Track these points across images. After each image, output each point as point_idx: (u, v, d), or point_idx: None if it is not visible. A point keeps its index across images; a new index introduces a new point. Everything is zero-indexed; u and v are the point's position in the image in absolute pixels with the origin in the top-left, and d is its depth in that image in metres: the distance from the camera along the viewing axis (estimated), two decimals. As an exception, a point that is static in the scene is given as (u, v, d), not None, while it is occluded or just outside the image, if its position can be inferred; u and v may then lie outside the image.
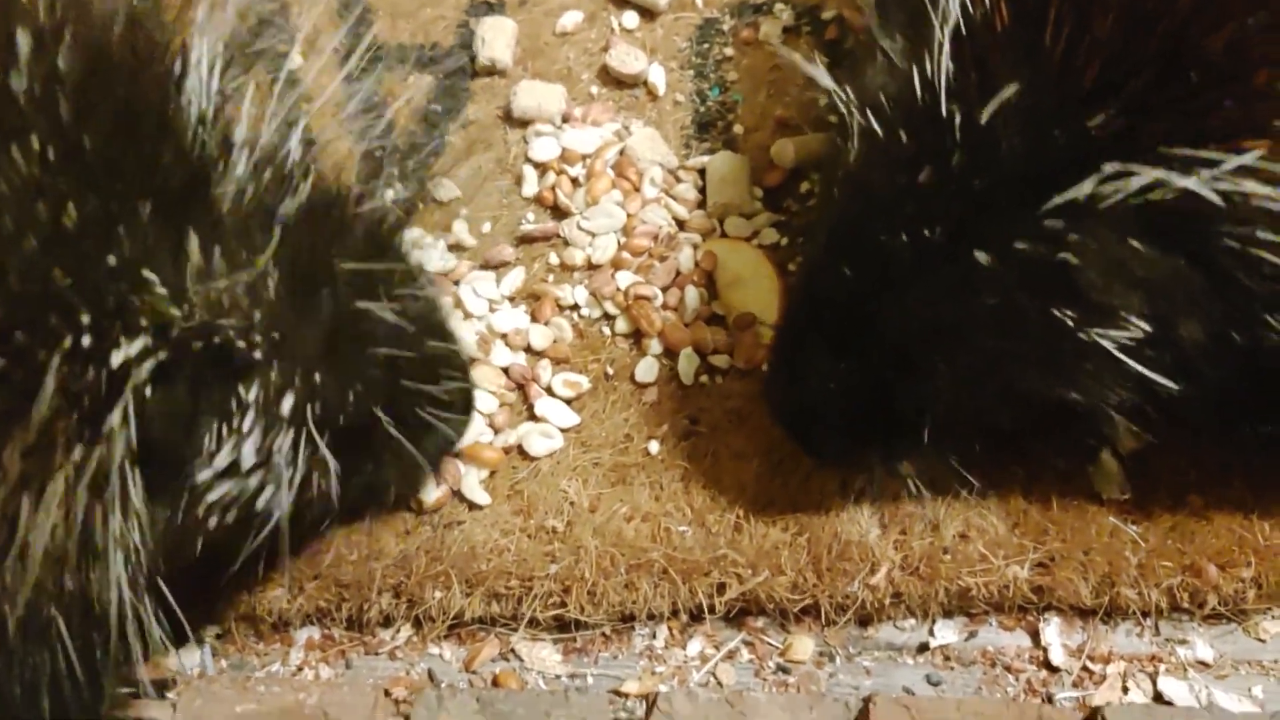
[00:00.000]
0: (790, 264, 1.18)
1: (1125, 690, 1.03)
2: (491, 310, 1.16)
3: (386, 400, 0.88)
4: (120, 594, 0.79)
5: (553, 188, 1.22)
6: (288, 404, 0.81)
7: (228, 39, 0.85)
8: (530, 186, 1.24)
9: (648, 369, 1.13)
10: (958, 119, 0.82)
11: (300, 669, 1.04)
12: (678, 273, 1.17)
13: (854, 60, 1.07)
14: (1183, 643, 1.05)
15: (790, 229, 1.21)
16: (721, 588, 1.03)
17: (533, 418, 1.11)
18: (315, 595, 1.03)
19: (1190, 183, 0.75)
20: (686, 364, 1.12)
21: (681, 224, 1.21)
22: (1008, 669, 1.05)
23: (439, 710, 0.97)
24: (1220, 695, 1.02)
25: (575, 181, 1.23)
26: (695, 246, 1.19)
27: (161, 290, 0.74)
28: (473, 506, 1.06)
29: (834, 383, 0.96)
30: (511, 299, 1.17)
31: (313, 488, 0.87)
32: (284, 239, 0.79)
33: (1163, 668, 1.04)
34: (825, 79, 0.93)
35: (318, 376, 0.82)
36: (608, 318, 1.16)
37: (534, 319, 1.16)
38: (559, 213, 1.22)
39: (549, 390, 1.12)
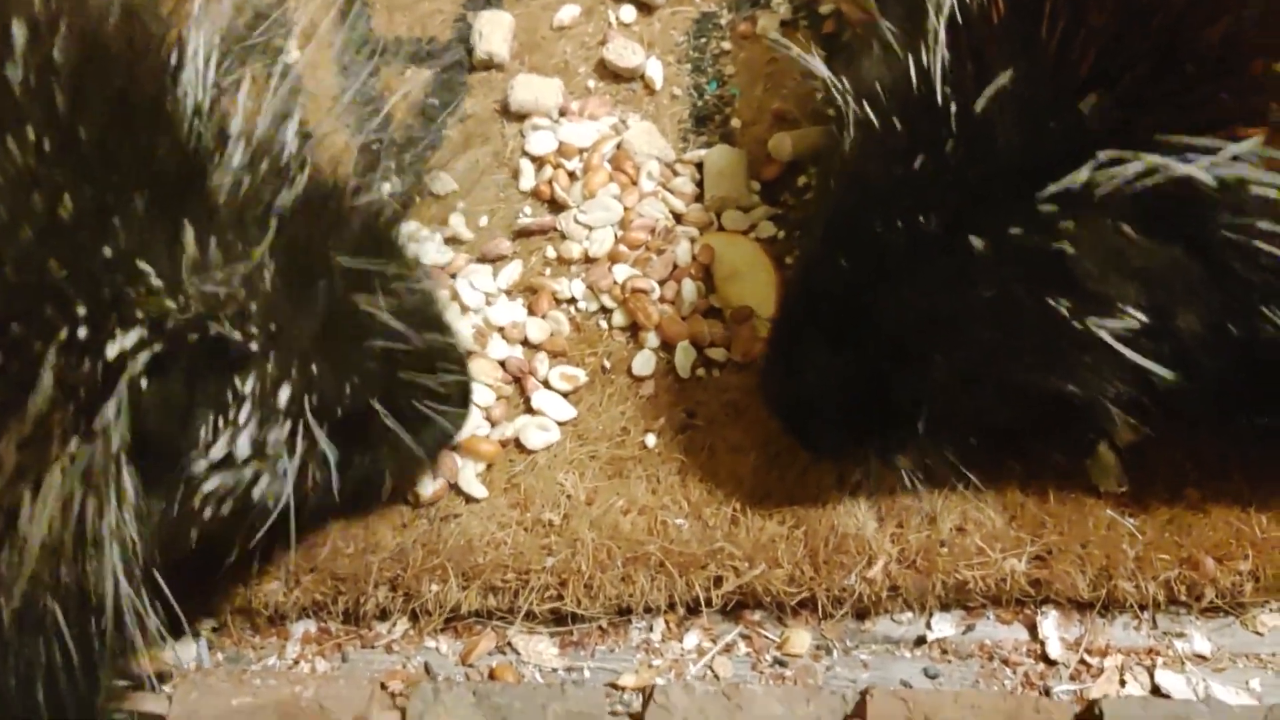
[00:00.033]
0: (788, 257, 1.18)
1: (1122, 683, 1.03)
2: (488, 303, 1.16)
3: (383, 392, 0.88)
4: (116, 585, 0.79)
5: (550, 181, 1.22)
6: (284, 396, 0.81)
7: (224, 32, 0.86)
8: (527, 180, 1.24)
9: (645, 362, 1.13)
10: (953, 109, 0.82)
11: (296, 662, 1.04)
12: (675, 266, 1.17)
13: (851, 53, 1.06)
14: (1180, 636, 1.05)
15: (787, 222, 1.20)
16: (718, 580, 1.03)
17: (530, 411, 1.11)
18: (311, 588, 1.02)
19: (1187, 169, 0.75)
20: (683, 357, 1.12)
21: (679, 217, 1.21)
22: (1005, 662, 1.05)
23: (435, 703, 0.96)
24: (1218, 688, 1.02)
25: (572, 175, 1.23)
26: (692, 240, 1.19)
27: (157, 282, 0.74)
28: (470, 500, 1.06)
29: (830, 375, 0.97)
30: (508, 292, 1.17)
31: (309, 480, 0.87)
32: (280, 231, 0.80)
33: (1160, 661, 1.04)
34: (821, 69, 0.93)
35: (314, 368, 0.82)
36: (605, 311, 1.16)
37: (531, 312, 1.16)
38: (556, 206, 1.22)
39: (546, 383, 1.12)
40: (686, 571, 1.03)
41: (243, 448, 0.81)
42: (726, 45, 1.34)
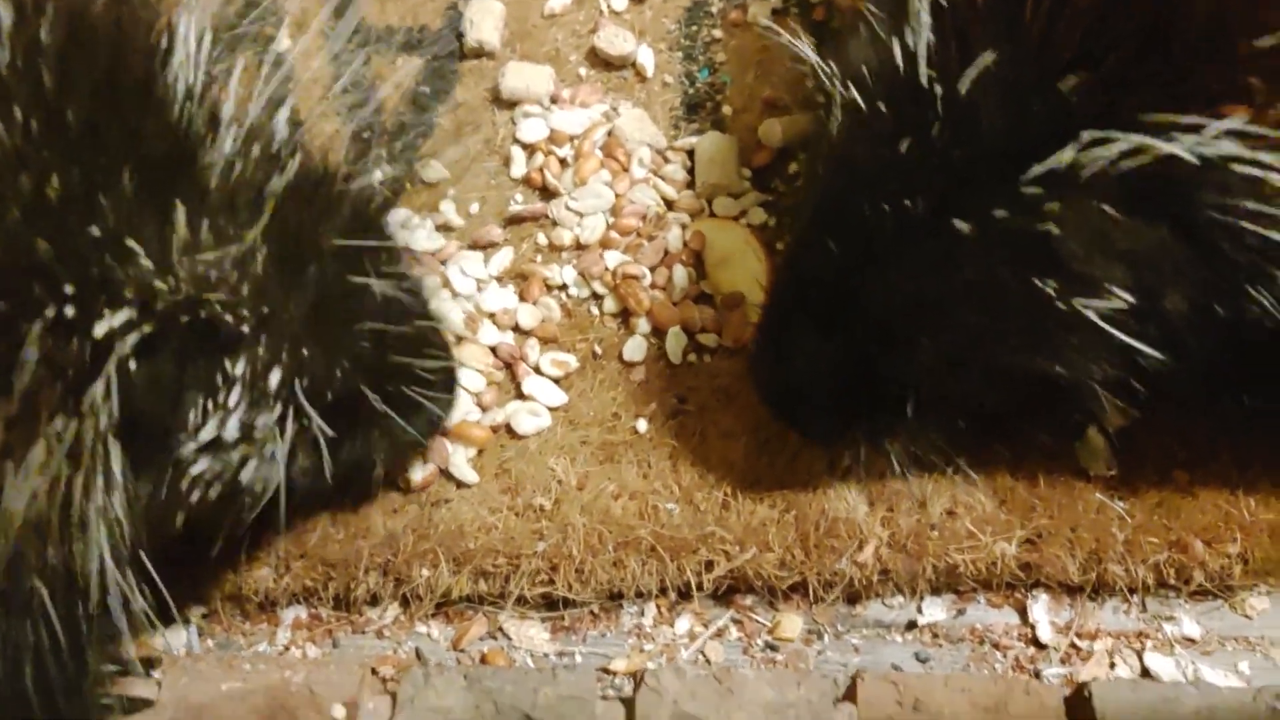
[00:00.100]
0: (778, 243, 1.18)
1: (1112, 666, 1.04)
2: (479, 289, 1.16)
3: (373, 376, 0.87)
4: (103, 566, 0.79)
5: (541, 169, 1.22)
6: (274, 379, 0.81)
7: (215, 19, 0.86)
8: (518, 167, 1.24)
9: (636, 348, 1.13)
10: (938, 91, 0.82)
11: (287, 648, 1.03)
12: (666, 252, 1.17)
13: (840, 39, 1.06)
14: (1169, 619, 1.06)
15: (778, 209, 1.21)
16: (709, 565, 1.03)
17: (520, 396, 1.11)
18: (302, 574, 1.02)
19: (1172, 148, 0.75)
20: (674, 343, 1.12)
21: (670, 204, 1.21)
22: (996, 646, 1.05)
23: (426, 687, 0.97)
24: (1207, 671, 1.03)
25: (563, 162, 1.23)
26: (683, 226, 1.19)
27: (146, 262, 0.74)
28: (460, 485, 1.06)
29: (819, 361, 0.97)
30: (499, 279, 1.17)
31: (297, 464, 0.87)
32: (272, 215, 0.79)
33: (1149, 644, 1.05)
34: (808, 53, 0.93)
35: (305, 351, 0.82)
36: (596, 297, 1.16)
37: (522, 298, 1.16)
38: (547, 193, 1.22)
39: (537, 369, 1.12)
40: (678, 556, 1.03)
41: (231, 431, 0.81)
42: (718, 33, 1.34)
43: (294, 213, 0.81)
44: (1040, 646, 1.05)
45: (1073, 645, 1.05)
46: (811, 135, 1.17)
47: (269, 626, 1.05)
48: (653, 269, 1.16)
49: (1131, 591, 1.05)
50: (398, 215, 1.18)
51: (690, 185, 1.23)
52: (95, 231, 0.73)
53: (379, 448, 0.95)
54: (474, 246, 1.19)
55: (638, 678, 0.99)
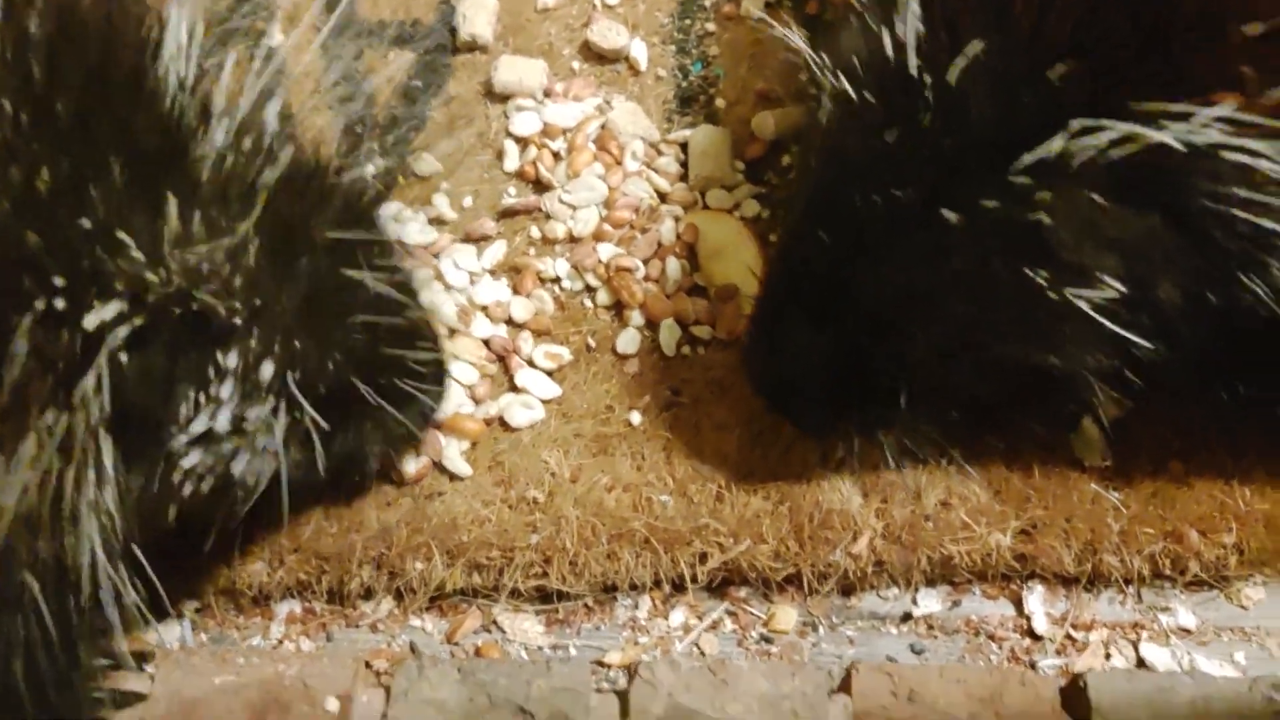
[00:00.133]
0: (772, 235, 1.18)
1: (1108, 657, 1.03)
2: (472, 283, 1.16)
3: (365, 369, 0.87)
4: (94, 560, 0.79)
5: (534, 162, 1.22)
6: (267, 372, 0.81)
7: (208, 14, 0.85)
8: (512, 161, 1.24)
9: (629, 340, 1.13)
10: (928, 80, 0.82)
11: (281, 642, 1.03)
12: (659, 245, 1.17)
13: (830, 29, 1.06)
14: (1165, 610, 1.06)
15: (771, 201, 1.21)
16: (703, 557, 1.03)
17: (514, 389, 1.10)
18: (296, 568, 1.02)
19: (1161, 136, 0.75)
20: (668, 335, 1.12)
21: (663, 197, 1.21)
22: (991, 638, 1.05)
23: (420, 680, 0.96)
24: (1203, 662, 1.03)
25: (557, 156, 1.23)
26: (677, 219, 1.19)
27: (137, 254, 0.73)
28: (454, 478, 1.06)
29: (812, 352, 0.96)
30: (493, 272, 1.17)
31: (290, 457, 0.86)
32: (264, 207, 0.79)
33: (1145, 635, 1.04)
34: (799, 44, 0.93)
35: (297, 344, 0.82)
36: (589, 290, 1.16)
37: (515, 291, 1.15)
38: (540, 187, 1.22)
39: (530, 362, 1.11)
40: (672, 548, 1.03)
41: (223, 423, 0.81)
42: (711, 26, 1.34)
43: (286, 205, 0.81)
44: (1036, 638, 1.04)
45: (1068, 636, 1.04)
46: (804, 127, 1.17)
47: (263, 620, 1.04)
48: (646, 261, 1.16)
49: (1127, 582, 1.05)
50: (390, 209, 1.18)
51: (683, 178, 1.22)
52: (86, 224, 0.72)
53: (371, 440, 0.95)
54: (467, 240, 1.19)
55: (632, 670, 0.99)
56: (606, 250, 1.16)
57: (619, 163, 1.21)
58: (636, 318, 1.13)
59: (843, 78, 0.89)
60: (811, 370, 0.97)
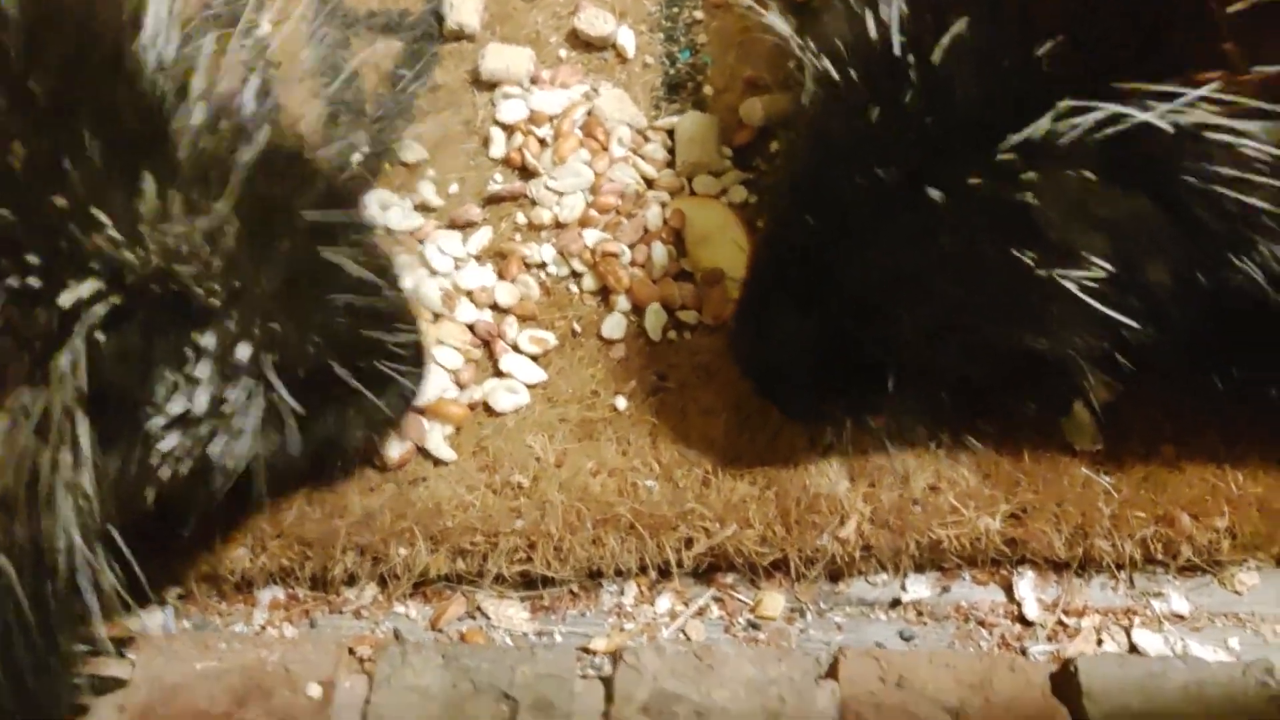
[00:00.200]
0: (759, 221, 1.17)
1: (1100, 643, 1.03)
2: (457, 268, 1.15)
3: (344, 351, 0.86)
4: (71, 544, 0.78)
5: (520, 149, 1.21)
6: (244, 353, 0.80)
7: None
8: (498, 148, 1.23)
9: (615, 325, 1.12)
10: (912, 61, 0.81)
11: (264, 629, 1.02)
12: (645, 230, 1.16)
13: (816, 13, 1.06)
14: (1158, 595, 1.05)
15: (759, 187, 1.20)
16: (689, 542, 1.02)
17: (498, 374, 1.09)
18: (278, 553, 1.01)
19: (1147, 116, 0.74)
20: (654, 320, 1.11)
21: (650, 183, 1.20)
22: (981, 624, 1.04)
23: (403, 666, 0.95)
24: (1196, 648, 1.02)
25: (543, 142, 1.22)
26: (663, 205, 1.18)
27: (114, 233, 0.73)
28: (438, 463, 1.05)
29: (799, 336, 0.96)
30: (478, 257, 1.16)
31: (270, 440, 0.86)
32: (243, 187, 0.79)
33: (1138, 621, 1.04)
34: (783, 26, 0.93)
35: (275, 326, 0.81)
36: (575, 275, 1.15)
37: (500, 277, 1.15)
38: (527, 173, 1.21)
39: (515, 347, 1.11)
40: (657, 533, 1.02)
41: (200, 405, 0.80)
42: (699, 14, 1.34)
43: (265, 186, 0.81)
44: (1027, 624, 1.03)
45: (1060, 622, 1.03)
46: (792, 113, 1.17)
47: (245, 607, 1.03)
48: (632, 246, 1.15)
49: (1119, 567, 1.04)
50: (376, 195, 1.18)
51: (670, 164, 1.22)
52: (62, 202, 0.72)
53: (352, 424, 0.94)
54: (452, 226, 1.18)
55: (617, 656, 0.98)
56: (592, 236, 1.16)
57: (605, 149, 1.21)
58: (622, 303, 1.13)
59: (826, 60, 0.88)
60: (798, 354, 0.97)
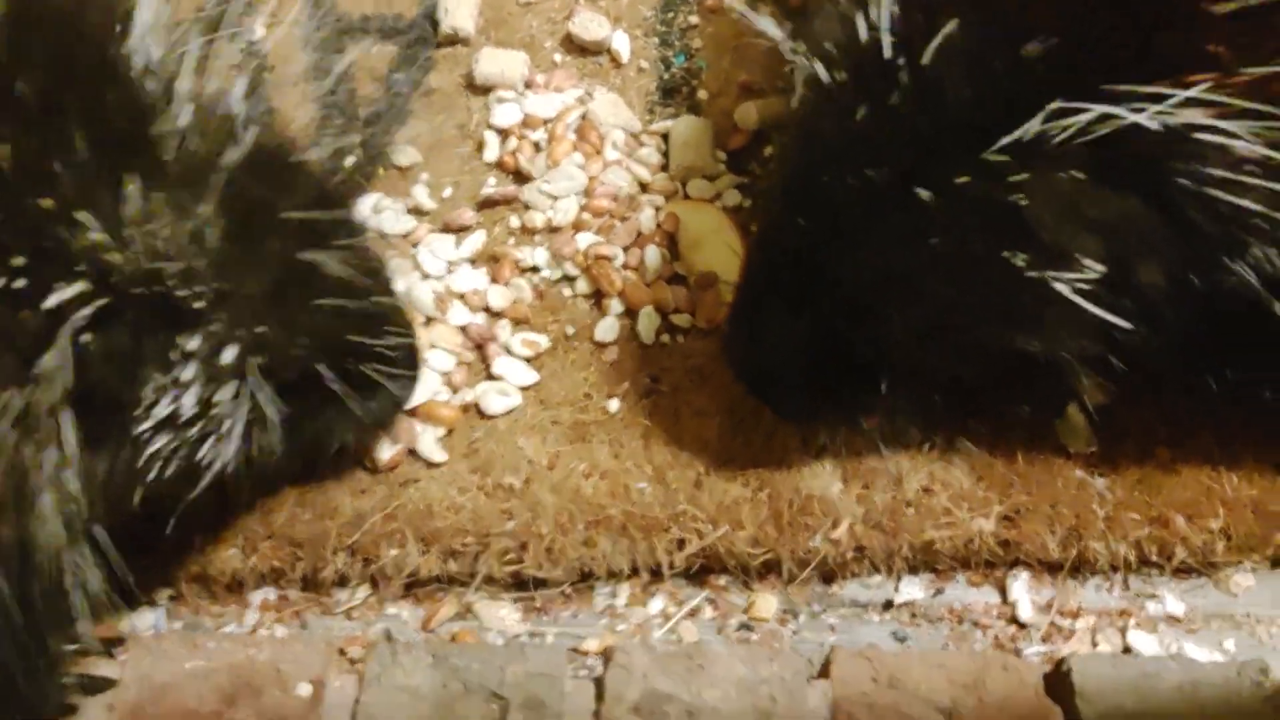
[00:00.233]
0: (753, 225, 1.17)
1: (1094, 645, 1.02)
2: (450, 271, 1.15)
3: (331, 355, 0.86)
4: (57, 543, 0.78)
5: (514, 153, 1.22)
6: (230, 355, 0.80)
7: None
8: (492, 152, 1.23)
9: (608, 328, 1.12)
10: (901, 62, 0.82)
11: (255, 630, 1.02)
12: (639, 233, 1.16)
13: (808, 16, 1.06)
14: (1153, 597, 1.04)
15: (753, 191, 1.20)
16: (681, 543, 1.01)
17: (491, 377, 1.09)
18: (270, 554, 1.01)
19: (1138, 117, 0.74)
20: (647, 323, 1.11)
21: (644, 186, 1.20)
22: (975, 625, 1.03)
23: (393, 665, 0.95)
24: (1191, 649, 1.01)
25: (537, 146, 1.23)
26: (657, 208, 1.18)
27: (100, 234, 0.73)
28: (429, 464, 1.05)
29: (792, 337, 0.96)
30: (472, 261, 1.16)
31: (257, 442, 0.86)
32: (230, 188, 0.79)
33: (1132, 622, 1.03)
34: (773, 29, 0.93)
35: (262, 328, 0.81)
36: (568, 279, 1.15)
37: (493, 280, 1.15)
38: (520, 178, 1.21)
39: (507, 349, 1.11)
40: (649, 534, 1.01)
41: (187, 407, 0.80)
42: (694, 19, 1.34)
43: (253, 188, 0.81)
44: (1021, 625, 1.03)
45: (1054, 624, 1.03)
46: (786, 117, 1.17)
47: (237, 608, 1.03)
48: (625, 250, 1.15)
49: (1114, 569, 1.04)
50: (369, 199, 1.18)
51: (664, 168, 1.22)
52: (48, 203, 0.72)
53: (341, 427, 0.94)
54: (446, 230, 1.18)
55: (608, 655, 0.98)
56: (585, 239, 1.16)
57: (599, 152, 1.21)
58: (615, 306, 1.13)
59: (817, 62, 0.88)
60: (791, 356, 0.97)
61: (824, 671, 0.98)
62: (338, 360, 0.88)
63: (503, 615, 1.02)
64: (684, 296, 1.13)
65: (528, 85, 1.27)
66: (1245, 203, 0.79)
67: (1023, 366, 0.91)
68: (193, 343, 0.78)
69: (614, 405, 1.08)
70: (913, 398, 0.98)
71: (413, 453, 1.05)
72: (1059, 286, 0.82)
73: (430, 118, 1.26)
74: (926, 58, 0.81)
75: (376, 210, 1.17)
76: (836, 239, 0.89)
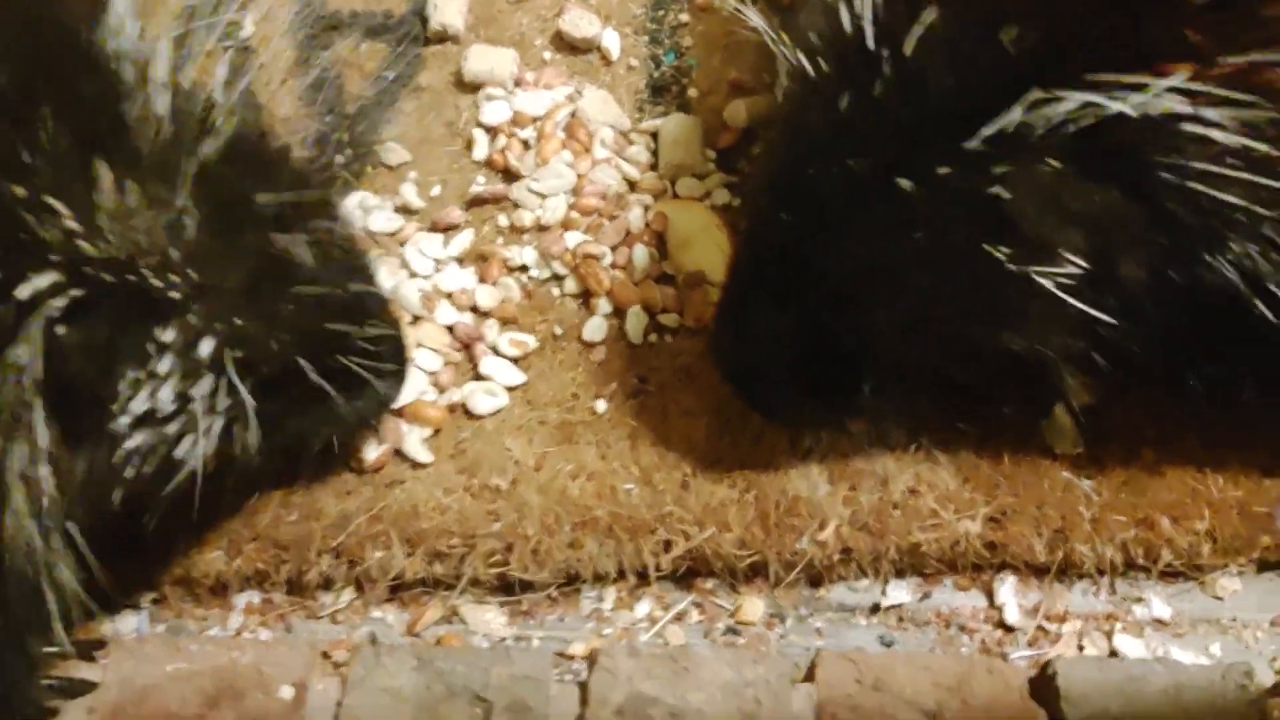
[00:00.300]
0: (741, 224, 1.16)
1: (1081, 649, 1.02)
2: (437, 270, 1.14)
3: (311, 347, 0.85)
4: (31, 542, 0.78)
5: (503, 151, 1.21)
6: (207, 348, 0.79)
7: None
8: (481, 150, 1.22)
9: (596, 328, 1.11)
10: (885, 53, 0.81)
11: (239, 633, 1.01)
12: (628, 232, 1.16)
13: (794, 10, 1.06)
14: (1139, 601, 1.04)
15: (742, 190, 1.19)
16: (668, 545, 1.01)
17: (478, 376, 1.09)
18: (254, 557, 1.00)
19: (1118, 106, 0.74)
20: (635, 322, 1.11)
21: (633, 185, 1.20)
22: (962, 629, 1.03)
23: (377, 667, 0.95)
24: (1178, 653, 1.01)
25: (526, 144, 1.22)
26: (646, 207, 1.18)
27: (73, 224, 0.72)
28: (415, 465, 1.04)
29: (778, 336, 0.95)
30: (460, 260, 1.15)
31: (235, 439, 0.85)
32: (206, 179, 0.78)
33: (1119, 626, 1.03)
34: (758, 21, 0.93)
35: (238, 320, 0.80)
36: (556, 278, 1.14)
37: (481, 279, 1.14)
38: (509, 176, 1.21)
39: (495, 349, 1.10)
40: (635, 536, 1.01)
41: (164, 402, 0.79)
42: (684, 17, 1.33)
43: (229, 178, 0.80)
44: (1008, 629, 1.03)
45: (1041, 628, 1.03)
46: (772, 111, 1.17)
47: (221, 611, 1.02)
48: (614, 249, 1.15)
49: (1100, 572, 1.04)
50: (357, 197, 1.18)
51: (654, 167, 1.21)
52: (20, 192, 0.71)
53: (325, 426, 0.93)
54: (434, 228, 1.17)
55: (593, 659, 0.97)
56: (574, 238, 1.15)
57: (588, 150, 1.20)
58: (604, 305, 1.12)
59: (801, 54, 0.88)
60: (777, 353, 0.96)
61: (809, 674, 0.97)
62: (319, 354, 0.86)
63: (488, 619, 1.02)
64: (672, 296, 1.12)
65: (517, 83, 1.26)
66: (1226, 196, 0.79)
67: (1008, 366, 0.91)
68: (168, 334, 0.77)
69: (601, 406, 1.08)
70: (899, 399, 0.98)
71: (399, 453, 1.05)
72: (1042, 281, 0.82)
73: (419, 115, 1.26)
74: (909, 47, 0.81)
75: (364, 208, 1.16)
76: (822, 232, 0.89)
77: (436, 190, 1.21)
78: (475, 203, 1.19)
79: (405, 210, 1.19)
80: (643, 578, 1.03)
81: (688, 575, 1.04)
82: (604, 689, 0.94)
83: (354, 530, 1.01)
